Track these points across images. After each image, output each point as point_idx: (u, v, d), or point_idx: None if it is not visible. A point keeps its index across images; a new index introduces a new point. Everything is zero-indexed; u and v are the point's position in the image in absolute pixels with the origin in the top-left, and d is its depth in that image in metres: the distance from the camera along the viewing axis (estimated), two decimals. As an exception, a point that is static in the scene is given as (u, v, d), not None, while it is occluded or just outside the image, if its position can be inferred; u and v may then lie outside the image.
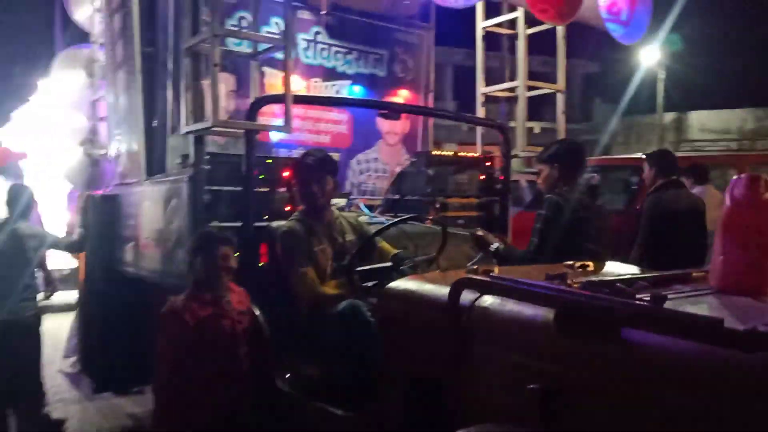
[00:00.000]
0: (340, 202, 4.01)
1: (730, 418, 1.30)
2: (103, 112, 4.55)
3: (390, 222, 3.01)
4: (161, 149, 3.66)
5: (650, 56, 18.38)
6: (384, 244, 3.07)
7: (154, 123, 3.73)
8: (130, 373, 4.13)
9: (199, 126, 2.79)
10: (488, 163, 4.17)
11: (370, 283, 2.63)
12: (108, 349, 4.19)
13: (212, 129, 2.76)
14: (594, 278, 1.99)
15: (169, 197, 3.23)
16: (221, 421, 2.63)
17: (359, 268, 2.71)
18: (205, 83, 2.87)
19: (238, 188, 3.00)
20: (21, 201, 3.95)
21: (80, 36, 5.55)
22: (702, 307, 1.76)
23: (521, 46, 4.15)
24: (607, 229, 3.26)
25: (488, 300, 1.92)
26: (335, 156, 4.76)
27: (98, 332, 4.28)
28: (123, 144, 4.07)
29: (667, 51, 19.11)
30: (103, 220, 4.17)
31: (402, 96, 5.00)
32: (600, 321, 1.58)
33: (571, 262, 2.56)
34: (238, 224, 2.95)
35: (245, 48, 3.58)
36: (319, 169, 2.87)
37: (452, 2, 3.81)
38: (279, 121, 3.07)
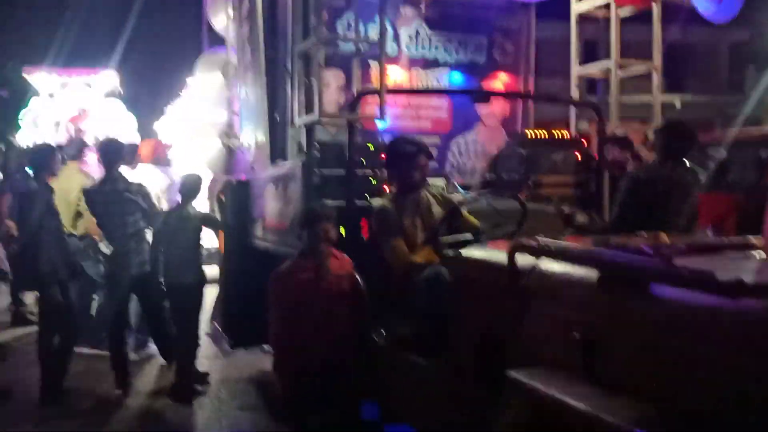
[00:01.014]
0: (438, 182, 4.37)
1: (724, 356, 1.51)
2: (237, 107, 5.24)
3: (472, 198, 3.31)
4: (282, 139, 4.23)
5: None
6: (471, 218, 3.39)
7: (276, 116, 4.29)
8: (260, 332, 4.81)
9: (308, 119, 3.28)
10: (583, 142, 4.30)
11: (451, 252, 2.96)
12: (242, 312, 4.88)
13: (319, 120, 3.22)
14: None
15: (287, 180, 3.77)
16: (326, 368, 3.11)
17: (443, 239, 3.05)
18: (315, 81, 3.34)
19: (343, 171, 3.46)
20: (192, 188, 4.79)
21: (220, 39, 6.33)
22: (734, 267, 1.91)
23: (614, 27, 4.20)
24: (691, 204, 3.31)
25: (542, 263, 2.19)
26: (435, 140, 5.12)
27: (234, 298, 5.00)
28: (252, 135, 4.72)
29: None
30: (238, 202, 4.87)
31: (501, 80, 5.21)
32: (627, 278, 1.82)
33: (642, 232, 2.73)
34: (342, 203, 3.42)
35: (351, 47, 4.03)
36: (416, 154, 3.23)
37: None
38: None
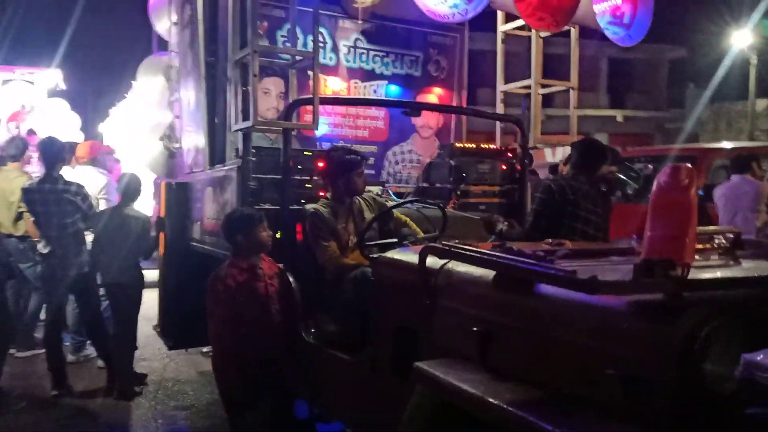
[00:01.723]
0: (375, 189, 4.57)
1: (588, 343, 1.75)
2: (178, 111, 5.32)
3: (398, 203, 3.52)
4: (222, 143, 4.34)
5: (742, 40, 17.47)
6: (412, 224, 3.60)
7: (216, 121, 4.41)
8: (199, 333, 4.89)
9: (243, 125, 3.42)
10: (509, 155, 4.58)
11: (375, 254, 3.15)
12: (182, 313, 4.95)
13: (253, 127, 3.36)
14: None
15: (224, 184, 3.89)
16: (262, 365, 3.26)
17: (370, 243, 3.24)
18: (250, 90, 3.48)
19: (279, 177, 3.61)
20: (131, 189, 4.84)
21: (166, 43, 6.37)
22: (611, 270, 2.16)
23: (534, 48, 4.50)
24: (601, 214, 3.60)
25: (449, 264, 2.40)
26: (372, 148, 5.33)
27: (173, 300, 5.06)
28: (192, 139, 4.80)
29: (760, 34, 18.16)
30: (177, 204, 4.94)
31: (436, 93, 5.47)
32: (517, 278, 2.04)
33: (549, 240, 2.99)
34: (278, 207, 3.56)
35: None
36: (353, 163, 3.41)
37: (449, 17, 4.21)
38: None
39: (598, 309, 1.77)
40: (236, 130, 3.56)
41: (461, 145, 4.55)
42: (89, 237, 5.13)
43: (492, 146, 4.67)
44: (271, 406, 3.23)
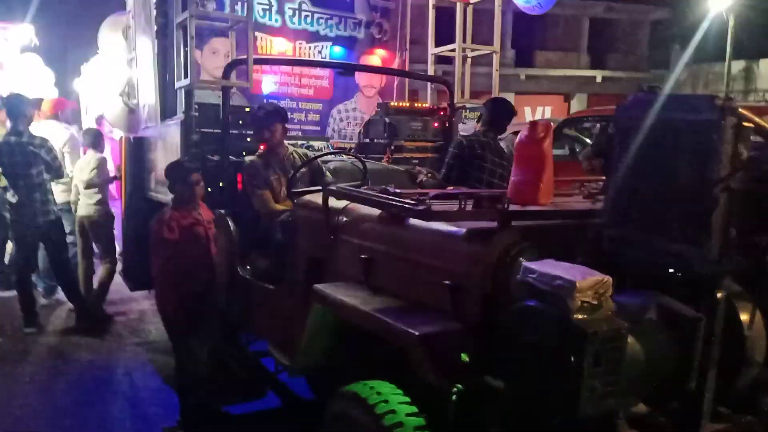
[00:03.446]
0: (319, 143, 4.97)
1: (432, 262, 2.22)
2: (135, 69, 5.63)
3: (319, 154, 3.94)
4: (173, 100, 4.69)
5: (721, 1, 17.56)
6: (329, 175, 4.01)
7: (167, 78, 4.74)
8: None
9: (183, 83, 3.79)
10: (441, 113, 4.98)
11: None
12: (141, 257, 5.36)
13: (191, 85, 3.73)
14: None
15: (170, 137, 4.27)
16: (201, 296, 3.71)
17: (297, 190, 3.66)
18: (188, 50, 3.83)
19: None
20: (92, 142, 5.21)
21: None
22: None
23: (459, 12, 4.86)
24: (506, 165, 4.05)
25: (349, 205, 2.85)
26: (317, 106, 5.70)
27: (133, 245, 5.46)
28: (147, 95, 5.14)
29: (738, -6, 18.25)
30: (134, 156, 5.31)
31: (379, 55, 5.81)
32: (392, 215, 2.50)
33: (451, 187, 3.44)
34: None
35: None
36: (267, 119, 3.80)
37: None
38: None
39: (442, 234, 2.24)
40: (178, 88, 3.92)
41: (395, 104, 4.94)
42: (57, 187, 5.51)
43: (424, 105, 5.06)
44: (209, 332, 3.69)
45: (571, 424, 1.73)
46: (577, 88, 23.40)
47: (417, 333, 2.01)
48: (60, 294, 6.19)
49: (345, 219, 2.85)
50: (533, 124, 2.80)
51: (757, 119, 2.31)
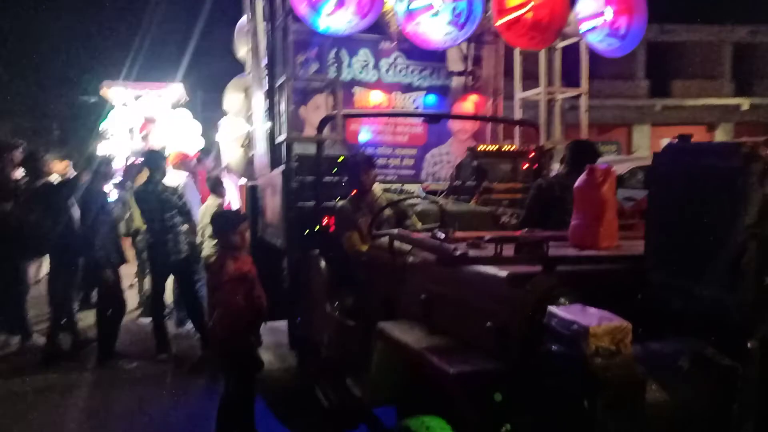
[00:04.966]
0: (413, 187, 5.23)
1: (479, 305, 2.34)
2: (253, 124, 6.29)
3: (398, 199, 4.17)
4: (279, 151, 5.21)
5: None
6: (414, 218, 4.24)
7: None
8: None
9: (281, 138, 4.24)
10: (531, 155, 5.04)
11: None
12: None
13: (288, 140, 4.17)
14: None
15: (275, 185, 4.74)
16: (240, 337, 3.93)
17: (378, 233, 3.92)
18: (285, 108, 4.29)
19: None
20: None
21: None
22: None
23: (542, 58, 4.91)
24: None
25: (413, 247, 3.04)
26: (412, 151, 5.98)
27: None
28: (260, 147, 5.73)
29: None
30: (251, 201, 5.89)
31: (472, 101, 6.00)
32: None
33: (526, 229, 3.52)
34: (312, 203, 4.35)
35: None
36: (357, 167, 4.12)
37: (440, 45, 4.70)
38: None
39: (487, 276, 2.36)
40: (278, 143, 4.38)
41: (483, 147, 5.08)
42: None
43: (513, 148, 5.15)
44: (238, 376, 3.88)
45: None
46: (720, 118, 21.74)
47: (452, 371, 2.14)
48: (189, 325, 6.88)
49: (411, 260, 3.05)
50: (591, 169, 2.84)
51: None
